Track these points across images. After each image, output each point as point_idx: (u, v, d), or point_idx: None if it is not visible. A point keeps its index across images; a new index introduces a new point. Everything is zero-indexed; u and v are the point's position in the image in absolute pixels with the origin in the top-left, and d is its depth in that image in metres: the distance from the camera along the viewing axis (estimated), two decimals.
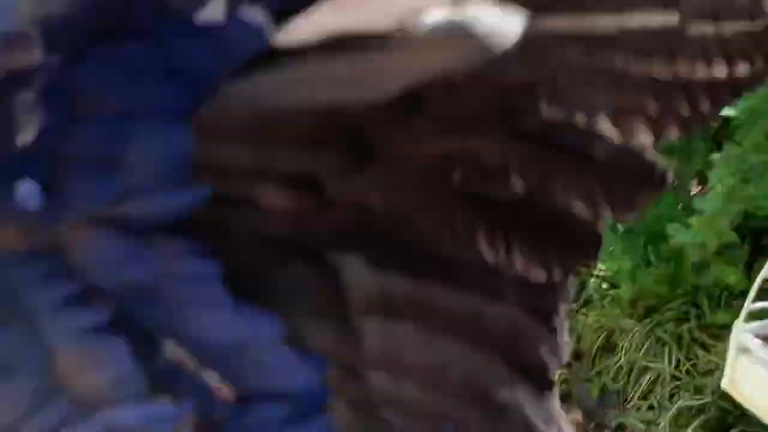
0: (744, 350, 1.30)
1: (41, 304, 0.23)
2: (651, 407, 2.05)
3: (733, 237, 1.71)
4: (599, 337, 2.42)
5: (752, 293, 1.30)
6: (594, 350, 2.48)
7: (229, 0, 0.22)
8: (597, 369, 2.54)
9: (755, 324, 1.32)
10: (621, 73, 0.28)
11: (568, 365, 2.79)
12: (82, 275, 0.23)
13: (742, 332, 1.31)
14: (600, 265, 2.06)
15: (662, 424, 1.83)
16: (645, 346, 2.04)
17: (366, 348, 0.28)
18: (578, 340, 2.41)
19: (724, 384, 1.34)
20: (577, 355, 2.55)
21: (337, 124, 0.25)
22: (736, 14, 0.30)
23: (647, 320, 2.04)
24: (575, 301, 2.40)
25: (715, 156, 1.75)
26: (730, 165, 1.68)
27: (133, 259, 0.24)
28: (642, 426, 2.05)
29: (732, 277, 1.71)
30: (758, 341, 1.29)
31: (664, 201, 1.82)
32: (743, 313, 1.32)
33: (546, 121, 0.27)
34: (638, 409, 2.12)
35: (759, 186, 1.62)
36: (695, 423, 1.74)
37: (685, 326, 1.91)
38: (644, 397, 2.11)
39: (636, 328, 2.06)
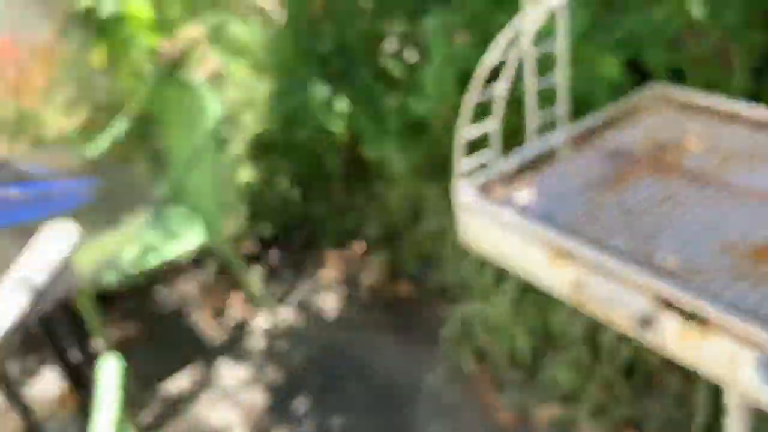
0: (468, 206, 1.32)
1: None
2: None
3: None
4: None
5: (457, 151, 1.30)
6: None
7: None
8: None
9: (470, 180, 1.33)
10: None
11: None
12: None
13: (462, 189, 1.32)
14: None
15: None
16: None
17: None
18: None
19: (461, 240, 1.36)
20: None
21: None
22: None
23: None
24: None
25: None
26: None
27: None
28: None
29: None
30: (476, 194, 1.31)
31: None
32: (458, 172, 1.32)
33: None
34: None
35: None
36: None
37: None
38: None
39: None
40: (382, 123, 2.06)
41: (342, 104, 2.23)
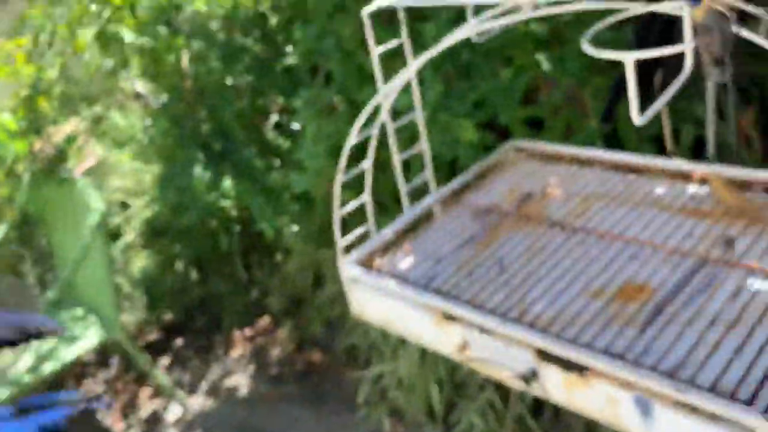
0: (353, 280, 1.32)
1: None
2: None
3: None
4: None
5: (336, 228, 1.30)
6: None
7: None
8: None
9: (353, 254, 1.34)
10: None
11: None
12: None
13: (346, 265, 1.32)
14: None
15: None
16: None
17: None
18: None
19: (352, 312, 1.35)
20: None
21: None
22: None
23: None
24: None
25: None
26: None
27: None
28: None
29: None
30: (359, 268, 1.31)
31: None
32: (339, 249, 1.33)
33: None
34: None
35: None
36: None
37: None
38: None
39: None
40: (270, 199, 2.05)
41: (228, 183, 2.20)
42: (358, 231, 1.38)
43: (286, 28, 2.16)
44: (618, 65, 0.82)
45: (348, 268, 1.32)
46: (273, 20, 2.59)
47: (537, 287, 1.16)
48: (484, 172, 1.52)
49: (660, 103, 0.77)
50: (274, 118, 3.01)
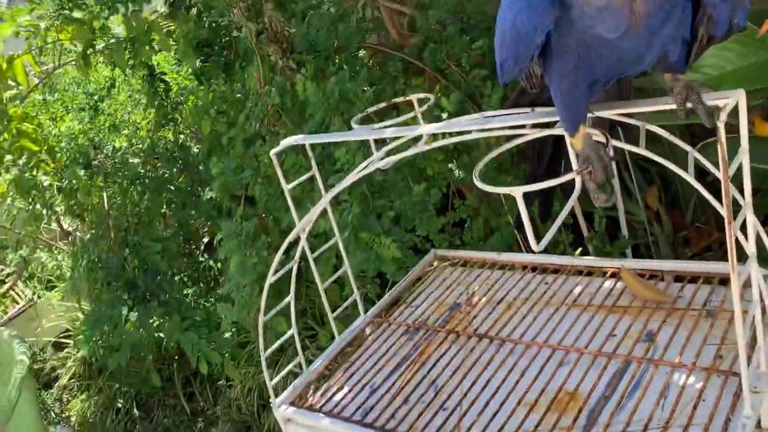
0: (287, 420, 1.25)
1: None
2: None
3: None
4: None
5: (264, 369, 1.24)
6: None
7: None
8: None
9: (285, 393, 1.27)
10: None
11: None
12: None
13: (277, 406, 1.25)
14: None
15: None
16: None
17: None
18: None
19: None
20: None
21: None
22: None
23: None
24: None
25: None
26: None
27: None
28: None
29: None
30: (292, 408, 1.24)
31: None
32: (270, 389, 1.26)
33: None
34: None
35: None
36: None
37: None
38: None
39: None
40: (201, 333, 1.96)
41: (157, 321, 2.11)
42: (289, 367, 1.32)
43: (207, 157, 2.16)
44: (526, 161, 0.83)
45: (280, 409, 1.25)
46: (194, 149, 2.58)
47: (473, 407, 1.11)
48: (411, 285, 1.50)
49: (552, 232, 0.77)
50: (206, 240, 2.96)
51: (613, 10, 0.71)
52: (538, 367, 1.15)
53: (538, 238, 0.79)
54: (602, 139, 0.81)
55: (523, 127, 0.98)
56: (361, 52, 2.16)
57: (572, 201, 0.85)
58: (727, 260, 1.34)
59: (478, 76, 1.86)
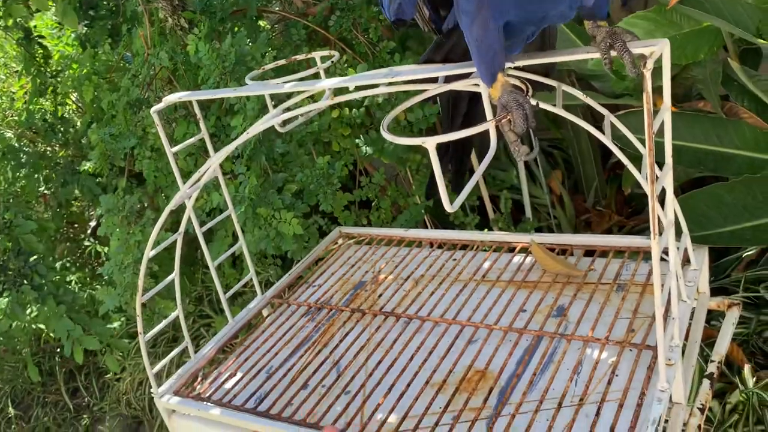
0: (171, 412, 1.10)
1: None
2: None
3: None
4: None
5: (144, 354, 1.08)
6: None
7: None
8: None
9: (168, 382, 1.12)
10: None
11: None
12: None
13: (159, 396, 1.10)
14: None
15: None
16: None
17: None
18: None
19: None
20: None
21: None
22: None
23: None
24: None
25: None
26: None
27: None
28: None
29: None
30: (176, 397, 1.10)
31: None
32: (151, 377, 1.10)
33: None
34: None
35: None
36: None
37: None
38: None
39: None
40: (80, 320, 1.75)
41: (34, 309, 1.87)
42: (174, 353, 1.17)
43: (89, 127, 1.93)
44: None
45: (162, 399, 1.10)
46: (77, 122, 2.34)
47: (378, 389, 1.01)
48: (314, 263, 1.38)
49: (467, 190, 0.68)
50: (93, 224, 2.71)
51: None
52: (446, 345, 1.06)
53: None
54: (522, 87, 0.73)
55: (435, 81, 0.89)
56: (263, 23, 2.01)
57: (489, 157, 0.76)
58: (633, 236, 1.31)
59: (386, 48, 1.76)
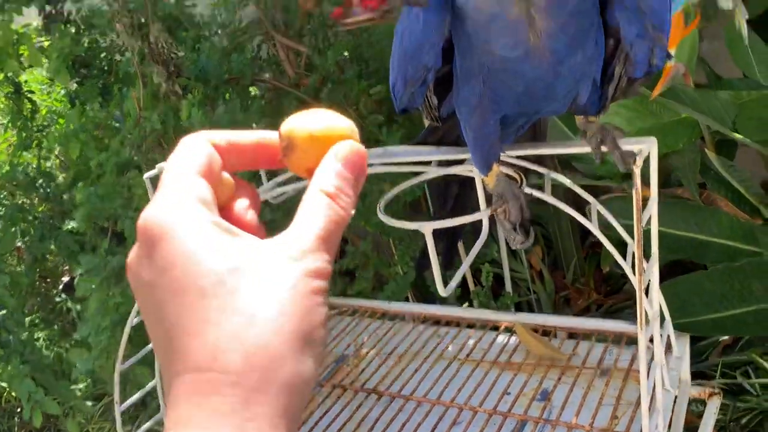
0: None
1: None
2: None
3: None
4: None
5: (119, 427, 1.05)
6: None
7: None
8: None
9: None
10: None
11: None
12: None
13: None
14: None
15: None
16: None
17: None
18: None
19: None
20: None
21: None
22: None
23: None
24: None
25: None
26: None
27: None
28: None
29: None
30: None
31: None
32: None
33: None
34: None
35: None
36: None
37: None
38: None
39: None
40: (45, 381, 1.70)
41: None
42: (149, 424, 1.14)
43: (72, 185, 1.92)
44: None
45: None
46: (60, 178, 2.33)
47: None
48: None
49: (460, 273, 0.69)
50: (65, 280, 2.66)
51: (508, 20, 0.63)
52: (429, 427, 1.05)
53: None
54: (516, 177, 0.75)
55: (428, 164, 0.91)
56: (254, 89, 2.05)
57: (479, 244, 0.77)
58: (614, 319, 1.32)
59: (375, 122, 1.80)
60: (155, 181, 1.10)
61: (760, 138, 1.37)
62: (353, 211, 0.42)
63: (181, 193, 0.38)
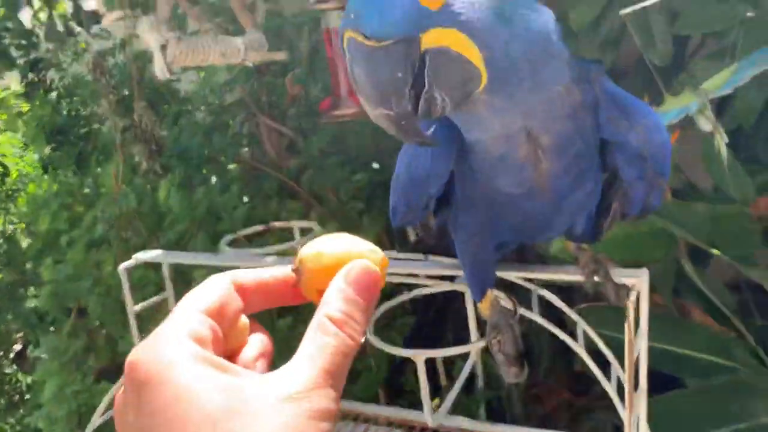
0: None
1: None
2: None
3: None
4: None
5: None
6: None
7: None
8: None
9: None
10: None
11: None
12: None
13: None
14: None
15: None
16: None
17: None
18: None
19: None
20: None
21: None
22: None
23: None
24: None
25: None
26: None
27: None
28: None
29: None
30: None
31: None
32: None
33: None
34: None
35: None
36: None
37: None
38: None
39: None
40: None
41: None
42: None
43: (38, 256, 1.86)
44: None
45: None
46: (24, 244, 2.25)
47: None
48: None
49: (451, 397, 0.67)
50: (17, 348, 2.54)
51: (515, 161, 0.64)
52: None
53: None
54: (510, 305, 0.74)
55: (417, 276, 0.90)
56: (233, 166, 2.04)
57: (468, 367, 0.76)
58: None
59: (355, 209, 1.80)
60: (131, 271, 1.07)
61: (735, 254, 1.40)
62: (363, 339, 0.40)
63: (174, 330, 0.37)
